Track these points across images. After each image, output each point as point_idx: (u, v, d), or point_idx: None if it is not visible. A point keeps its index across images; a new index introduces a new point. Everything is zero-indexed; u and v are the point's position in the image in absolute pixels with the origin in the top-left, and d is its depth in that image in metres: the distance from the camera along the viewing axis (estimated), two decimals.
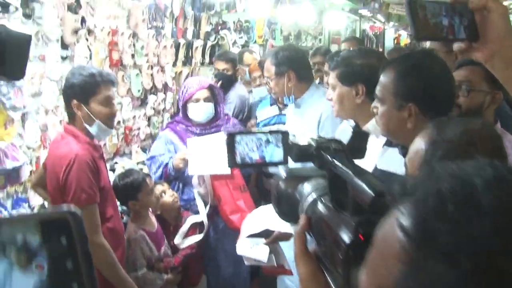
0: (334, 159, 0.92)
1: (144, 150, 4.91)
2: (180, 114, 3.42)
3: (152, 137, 5.14)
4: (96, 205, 2.35)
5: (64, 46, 3.76)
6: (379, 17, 12.02)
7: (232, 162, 1.02)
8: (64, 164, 2.28)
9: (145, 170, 4.30)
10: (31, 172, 3.47)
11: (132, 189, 2.91)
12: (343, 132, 1.14)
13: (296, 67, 2.94)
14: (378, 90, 1.75)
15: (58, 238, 0.62)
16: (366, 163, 2.11)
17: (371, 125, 2.15)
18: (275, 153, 1.03)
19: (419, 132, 1.59)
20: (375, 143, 2.11)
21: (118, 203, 2.89)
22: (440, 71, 1.70)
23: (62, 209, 0.62)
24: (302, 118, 2.96)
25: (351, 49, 2.41)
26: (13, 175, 2.86)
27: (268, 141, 1.03)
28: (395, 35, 18.71)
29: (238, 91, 4.37)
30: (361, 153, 1.13)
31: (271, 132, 1.04)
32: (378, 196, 0.76)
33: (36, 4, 3.39)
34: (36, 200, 3.47)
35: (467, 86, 2.15)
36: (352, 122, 1.13)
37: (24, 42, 1.53)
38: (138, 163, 4.54)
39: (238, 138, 1.02)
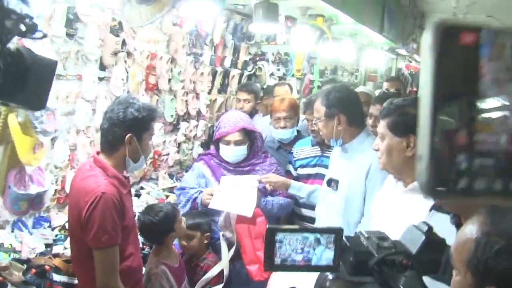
0: (401, 284, 0.80)
1: (171, 176, 4.82)
2: (214, 148, 3.31)
3: (181, 163, 5.06)
4: (117, 247, 2.22)
5: (102, 67, 3.72)
6: (416, 57, 11.87)
7: (269, 264, 0.90)
8: (89, 200, 2.15)
9: (171, 197, 4.22)
10: (55, 191, 3.41)
11: (169, 220, 2.80)
12: (410, 233, 0.95)
13: (348, 110, 2.75)
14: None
15: None
16: (407, 223, 1.96)
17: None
18: (324, 255, 0.90)
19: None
20: (425, 204, 1.95)
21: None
22: None
23: None
24: (349, 164, 2.78)
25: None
26: (36, 201, 2.79)
27: (317, 241, 0.90)
28: None
29: (257, 123, 4.20)
30: (435, 268, 0.97)
31: (322, 231, 0.92)
32: None
33: (79, 24, 3.37)
34: (58, 221, 3.39)
35: None
36: (424, 226, 0.94)
37: (50, 69, 1.42)
38: (164, 190, 4.44)
39: (280, 236, 0.90)
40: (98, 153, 2.39)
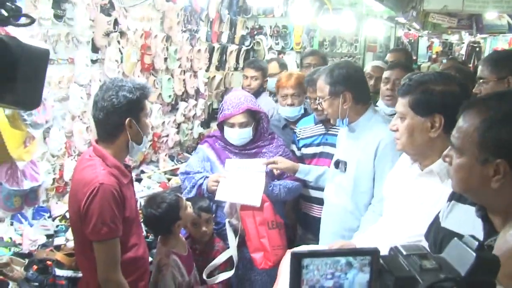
0: None
1: (172, 158, 4.71)
2: (218, 131, 3.18)
3: (181, 144, 4.95)
4: (117, 240, 2.14)
5: (95, 49, 3.56)
6: (415, 24, 11.67)
7: None
8: (88, 191, 2.06)
9: (173, 180, 4.11)
10: (54, 180, 3.30)
11: (173, 211, 2.70)
12: (456, 249, 0.81)
13: (354, 87, 2.62)
14: (456, 137, 1.39)
15: None
16: (428, 210, 1.81)
17: (437, 166, 1.86)
18: (357, 280, 0.80)
19: (506, 195, 1.29)
20: (441, 190, 1.82)
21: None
22: None
23: None
24: (356, 144, 2.66)
25: (429, 71, 2.04)
26: (31, 196, 2.68)
27: (350, 265, 0.80)
28: (428, 43, 18.34)
29: (263, 102, 4.08)
30: None
31: (355, 253, 0.81)
32: None
33: (68, 5, 3.20)
34: (58, 210, 3.29)
35: None
36: (473, 242, 0.80)
37: (41, 60, 1.25)
38: (165, 173, 4.34)
39: (306, 261, 0.79)
40: (96, 141, 2.28)
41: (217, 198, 2.90)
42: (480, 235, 1.38)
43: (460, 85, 1.90)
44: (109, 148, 2.23)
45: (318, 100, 2.75)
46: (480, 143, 1.31)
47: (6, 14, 1.28)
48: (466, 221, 1.48)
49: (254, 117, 3.05)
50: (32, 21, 1.47)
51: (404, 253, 0.87)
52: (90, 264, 2.17)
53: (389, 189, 2.23)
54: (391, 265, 0.85)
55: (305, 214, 3.33)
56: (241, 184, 2.86)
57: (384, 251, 2.00)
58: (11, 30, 2.15)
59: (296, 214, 3.47)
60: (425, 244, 1.68)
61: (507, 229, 0.99)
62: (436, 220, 1.67)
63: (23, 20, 1.40)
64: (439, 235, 1.60)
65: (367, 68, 4.40)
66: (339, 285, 0.81)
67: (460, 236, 1.47)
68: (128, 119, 2.18)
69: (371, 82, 4.01)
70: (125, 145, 2.24)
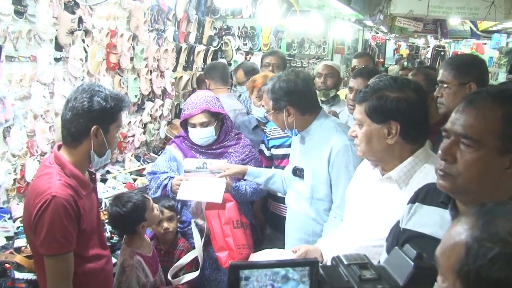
0: None
1: (138, 158, 4.66)
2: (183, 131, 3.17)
3: (148, 144, 4.90)
4: (70, 254, 2.02)
5: (58, 47, 3.49)
6: (382, 28, 11.88)
7: None
8: (39, 203, 1.94)
9: (139, 181, 4.07)
10: (14, 180, 3.22)
11: (138, 211, 2.66)
12: (396, 258, 0.83)
13: (296, 101, 2.60)
14: (470, 127, 1.34)
15: None
16: (385, 216, 1.83)
17: (395, 173, 1.87)
18: None
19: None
20: (399, 196, 1.83)
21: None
22: None
23: None
24: (309, 152, 2.66)
25: (382, 78, 2.02)
26: None
27: (288, 276, 0.80)
28: (395, 46, 18.70)
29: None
30: None
31: (294, 264, 0.81)
32: None
33: (29, 1, 3.13)
34: (19, 212, 3.21)
35: None
36: (411, 252, 0.82)
37: None
38: (131, 173, 4.29)
39: (245, 273, 0.79)
40: (59, 146, 2.16)
41: (178, 197, 2.89)
42: None
43: (415, 91, 1.89)
44: (70, 154, 2.11)
45: (266, 114, 2.77)
46: (503, 134, 1.30)
47: None
48: (433, 222, 1.49)
49: (217, 117, 3.04)
50: None
51: (345, 262, 0.87)
52: (43, 275, 2.06)
53: (351, 193, 2.24)
54: (330, 275, 0.85)
55: (273, 213, 3.35)
56: (202, 183, 2.85)
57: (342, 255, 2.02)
58: None
59: (264, 214, 3.48)
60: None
61: (454, 223, 1.01)
62: (397, 224, 1.68)
63: None
64: (401, 237, 1.61)
65: (318, 67, 4.47)
66: None
67: (420, 238, 1.49)
68: (95, 126, 2.06)
69: (320, 80, 4.12)
70: (87, 154, 2.12)
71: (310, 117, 2.66)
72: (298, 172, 2.69)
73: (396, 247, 0.90)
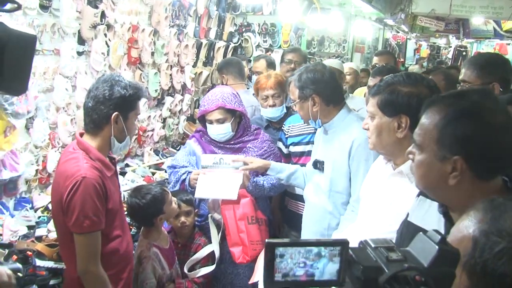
0: None
1: (157, 152, 4.70)
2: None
3: (167, 139, 4.94)
4: (99, 233, 2.16)
5: (81, 41, 3.55)
6: (403, 27, 11.78)
7: (269, 281, 0.83)
8: (70, 185, 2.07)
9: (158, 174, 4.11)
10: (36, 171, 3.28)
11: (157, 203, 2.71)
12: (420, 242, 0.92)
13: (322, 90, 2.66)
14: (417, 133, 1.42)
15: None
16: (396, 210, 1.85)
17: (406, 167, 1.86)
18: (327, 269, 0.84)
19: (463, 192, 1.32)
20: (410, 190, 1.84)
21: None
22: (501, 120, 1.31)
23: None
24: (331, 144, 2.69)
25: (397, 74, 2.04)
26: (10, 186, 2.66)
27: (320, 254, 0.84)
28: (416, 46, 18.49)
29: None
30: (448, 282, 0.87)
31: (326, 243, 0.84)
32: None
33: None
34: (40, 202, 3.27)
35: None
36: (436, 236, 0.88)
37: (28, 46, 1.23)
38: (149, 167, 4.33)
39: (280, 250, 0.83)
40: (81, 134, 2.31)
41: (196, 195, 2.93)
42: (443, 230, 1.42)
43: (428, 87, 1.91)
44: (93, 140, 2.25)
45: (292, 103, 2.79)
46: (438, 139, 1.33)
47: None
48: (431, 216, 1.51)
49: (234, 113, 3.05)
50: (19, 7, 1.44)
51: (373, 245, 0.90)
52: (72, 255, 2.18)
53: (365, 188, 2.27)
54: (359, 256, 0.88)
55: (290, 211, 3.35)
56: (218, 180, 2.88)
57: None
58: None
59: (281, 211, 3.48)
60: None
61: (464, 217, 1.02)
62: (406, 217, 1.70)
63: (9, 6, 1.38)
64: (407, 230, 1.64)
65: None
66: (310, 273, 0.84)
67: (424, 231, 1.51)
68: (115, 113, 2.21)
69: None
70: (108, 140, 2.26)
71: (334, 109, 2.70)
72: (318, 165, 2.72)
73: (420, 232, 0.93)
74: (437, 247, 0.87)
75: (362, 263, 0.85)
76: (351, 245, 0.88)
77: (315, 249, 0.84)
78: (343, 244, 0.85)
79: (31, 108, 2.74)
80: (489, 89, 1.58)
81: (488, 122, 1.29)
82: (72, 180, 2.08)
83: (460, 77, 2.78)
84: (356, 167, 2.55)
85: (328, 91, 2.68)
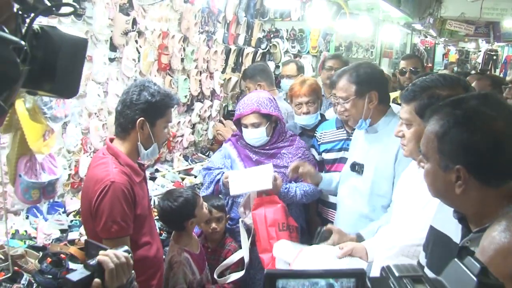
0: None
1: (186, 158, 4.73)
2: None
3: (196, 145, 4.97)
4: (128, 238, 2.14)
5: (113, 47, 3.60)
6: (431, 31, 11.63)
7: None
8: (99, 189, 2.08)
9: (187, 180, 4.14)
10: (69, 175, 3.34)
11: (189, 206, 2.72)
12: (455, 271, 0.79)
13: (379, 87, 2.59)
14: (422, 143, 1.40)
15: None
16: (428, 214, 1.77)
17: None
18: None
19: (472, 200, 1.29)
20: None
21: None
22: (501, 126, 1.27)
23: None
24: (376, 146, 2.62)
25: (430, 75, 1.98)
26: (48, 189, 2.70)
27: (331, 287, 0.72)
28: (444, 51, 18.23)
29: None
30: None
31: (337, 275, 0.73)
32: None
33: (87, 4, 3.25)
34: (73, 206, 3.32)
35: None
36: (475, 265, 0.76)
37: (80, 49, 1.24)
38: (179, 172, 4.36)
39: (282, 282, 0.72)
40: (111, 140, 2.32)
41: (231, 193, 2.92)
42: (459, 235, 1.40)
43: (465, 88, 1.85)
44: (122, 145, 2.26)
45: (337, 100, 2.69)
46: (439, 149, 1.31)
47: (48, 3, 1.26)
48: (450, 221, 1.47)
49: (269, 118, 3.05)
50: (75, 10, 1.45)
51: (397, 274, 0.78)
52: None
53: (397, 193, 2.23)
54: None
55: (324, 219, 3.30)
56: (250, 174, 2.91)
57: (384, 256, 1.95)
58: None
59: (320, 219, 3.42)
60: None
61: (496, 227, 0.98)
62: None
63: (64, 10, 1.38)
64: (430, 234, 1.62)
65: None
66: None
67: (444, 240, 1.46)
68: (141, 119, 2.20)
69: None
70: (136, 145, 2.26)
71: (383, 109, 2.63)
72: (357, 168, 2.66)
73: (455, 259, 0.80)
74: (476, 279, 0.74)
75: None
76: (382, 250, 0.80)
77: (322, 282, 0.73)
78: (358, 275, 0.74)
79: (68, 112, 2.79)
80: (491, 92, 1.53)
81: (486, 129, 1.26)
82: (101, 184, 2.08)
83: (508, 78, 2.73)
84: (401, 171, 2.48)
85: (384, 89, 2.64)
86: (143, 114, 2.20)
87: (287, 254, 2.45)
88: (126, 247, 1.51)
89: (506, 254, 0.94)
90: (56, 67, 1.10)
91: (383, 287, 0.77)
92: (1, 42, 0.86)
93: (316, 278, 0.72)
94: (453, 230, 1.25)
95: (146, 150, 2.28)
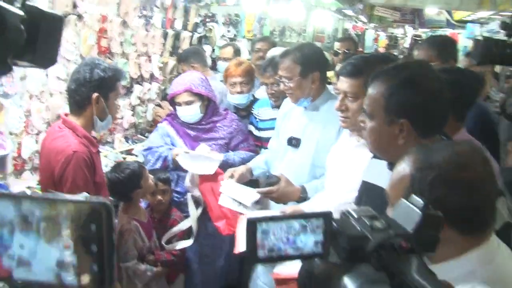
0: (404, 267, 0.77)
1: (127, 139, 4.83)
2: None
3: (136, 126, 5.07)
4: None
5: None
6: (362, 17, 12.12)
7: (253, 257, 0.83)
8: (62, 159, 2.25)
9: (130, 159, 4.25)
10: (12, 157, 3.37)
11: (135, 177, 2.90)
12: (403, 208, 0.89)
13: (322, 67, 2.77)
14: (366, 104, 1.62)
15: (89, 225, 0.73)
16: (359, 176, 2.00)
17: None
18: (311, 242, 0.83)
19: (409, 149, 1.52)
20: (366, 153, 2.00)
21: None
22: (436, 86, 1.56)
23: (98, 201, 0.74)
24: (316, 122, 2.77)
25: (365, 54, 2.24)
26: None
27: (303, 228, 0.83)
28: (374, 36, 18.95)
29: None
30: (433, 246, 0.87)
31: (308, 216, 0.84)
32: None
33: None
34: (17, 187, 3.37)
35: None
36: (419, 201, 0.88)
37: (57, 25, 1.39)
38: (121, 152, 4.47)
39: (263, 226, 0.82)
40: (66, 114, 2.46)
41: (178, 159, 3.11)
42: None
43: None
44: (78, 119, 2.41)
45: (281, 79, 2.80)
46: (385, 107, 1.56)
47: None
48: (382, 174, 1.67)
49: (201, 96, 3.23)
50: None
51: (355, 215, 0.89)
52: None
53: (330, 160, 2.46)
54: (343, 226, 0.87)
55: None
56: (198, 158, 3.09)
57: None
58: None
59: None
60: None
61: (399, 162, 1.24)
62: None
63: None
64: (363, 188, 1.88)
65: None
66: (294, 247, 0.83)
67: (374, 189, 1.71)
68: (96, 94, 2.37)
69: None
70: (91, 119, 2.43)
71: (323, 88, 2.80)
72: (293, 142, 2.81)
73: (402, 199, 0.91)
74: (420, 212, 0.85)
75: (347, 233, 0.85)
76: (315, 207, 0.98)
77: (297, 223, 0.83)
78: (326, 216, 0.84)
79: (17, 90, 2.86)
80: (424, 60, 1.84)
81: (427, 89, 1.55)
82: (64, 154, 2.24)
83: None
84: None
85: (325, 70, 2.81)
86: (97, 89, 2.37)
87: (233, 192, 2.80)
88: (85, 193, 1.65)
89: (400, 182, 1.19)
90: (37, 41, 1.25)
91: (346, 224, 0.87)
92: (14, 15, 1.04)
93: (291, 220, 0.83)
94: (386, 181, 1.37)
95: (102, 122, 2.45)
